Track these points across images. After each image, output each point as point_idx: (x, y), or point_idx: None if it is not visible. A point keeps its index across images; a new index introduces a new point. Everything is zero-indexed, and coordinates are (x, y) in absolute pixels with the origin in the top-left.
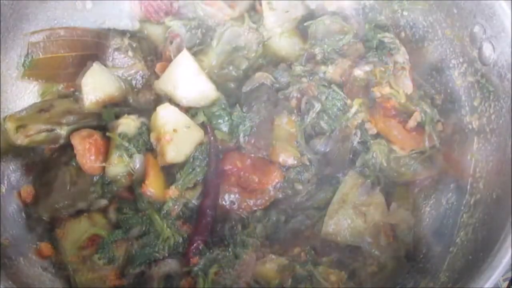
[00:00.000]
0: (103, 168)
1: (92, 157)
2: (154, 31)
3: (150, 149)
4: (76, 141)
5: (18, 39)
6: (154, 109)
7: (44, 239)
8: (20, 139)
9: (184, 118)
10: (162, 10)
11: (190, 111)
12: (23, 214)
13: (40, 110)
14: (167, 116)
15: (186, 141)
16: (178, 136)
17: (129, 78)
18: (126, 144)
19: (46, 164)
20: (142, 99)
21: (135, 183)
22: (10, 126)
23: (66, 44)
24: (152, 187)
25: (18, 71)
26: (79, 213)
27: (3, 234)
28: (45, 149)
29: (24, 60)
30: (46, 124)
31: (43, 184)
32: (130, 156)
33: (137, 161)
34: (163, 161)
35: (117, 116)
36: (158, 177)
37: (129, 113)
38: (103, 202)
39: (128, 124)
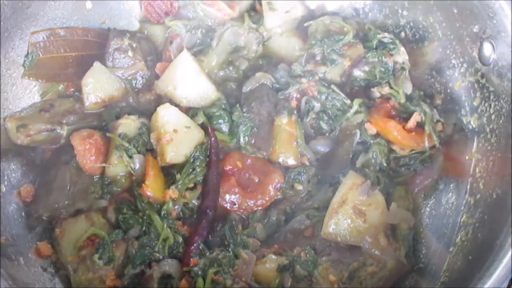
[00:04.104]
0: (103, 168)
1: (92, 157)
2: (154, 31)
3: (150, 150)
4: (76, 141)
5: (18, 39)
6: (154, 109)
7: (44, 239)
8: (21, 139)
9: (184, 118)
10: (162, 10)
11: (190, 111)
12: (23, 214)
13: (40, 110)
14: (167, 116)
15: (186, 141)
16: (178, 136)
17: (129, 78)
18: (126, 145)
19: (46, 164)
20: (142, 99)
21: (135, 183)
22: (10, 126)
23: (66, 44)
24: (152, 188)
25: (18, 71)
26: (78, 212)
27: (2, 234)
28: (45, 149)
29: (24, 60)
30: (47, 124)
31: (43, 183)
32: (130, 157)
33: (137, 162)
34: (163, 161)
35: (117, 116)
36: (158, 178)
37: (129, 113)
38: (103, 202)
39: (128, 124)
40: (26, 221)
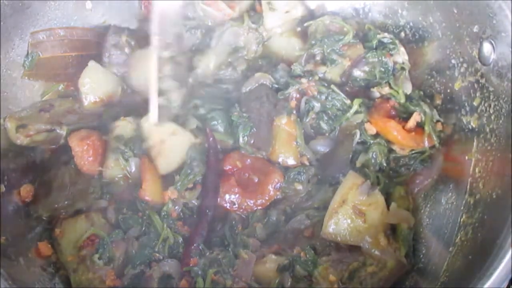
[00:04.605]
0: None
1: (90, 159)
2: None
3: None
4: (74, 142)
5: (18, 39)
6: None
7: (44, 239)
8: (20, 139)
9: (167, 126)
10: None
11: (180, 117)
12: (23, 214)
13: (40, 110)
14: (149, 129)
15: (176, 148)
16: (166, 146)
17: (125, 75)
18: (122, 147)
19: (46, 164)
20: (137, 97)
21: (132, 186)
22: (10, 126)
23: (66, 44)
24: (150, 192)
25: (18, 71)
26: (78, 212)
27: (2, 234)
28: (45, 149)
29: (24, 60)
30: (46, 124)
31: (43, 183)
32: (126, 160)
33: (133, 165)
34: (159, 172)
35: (117, 117)
36: (155, 182)
37: (127, 114)
38: (103, 202)
39: (124, 126)
40: (26, 221)
